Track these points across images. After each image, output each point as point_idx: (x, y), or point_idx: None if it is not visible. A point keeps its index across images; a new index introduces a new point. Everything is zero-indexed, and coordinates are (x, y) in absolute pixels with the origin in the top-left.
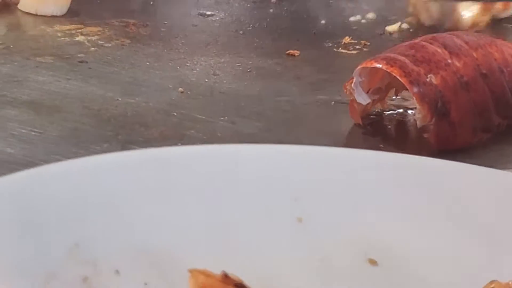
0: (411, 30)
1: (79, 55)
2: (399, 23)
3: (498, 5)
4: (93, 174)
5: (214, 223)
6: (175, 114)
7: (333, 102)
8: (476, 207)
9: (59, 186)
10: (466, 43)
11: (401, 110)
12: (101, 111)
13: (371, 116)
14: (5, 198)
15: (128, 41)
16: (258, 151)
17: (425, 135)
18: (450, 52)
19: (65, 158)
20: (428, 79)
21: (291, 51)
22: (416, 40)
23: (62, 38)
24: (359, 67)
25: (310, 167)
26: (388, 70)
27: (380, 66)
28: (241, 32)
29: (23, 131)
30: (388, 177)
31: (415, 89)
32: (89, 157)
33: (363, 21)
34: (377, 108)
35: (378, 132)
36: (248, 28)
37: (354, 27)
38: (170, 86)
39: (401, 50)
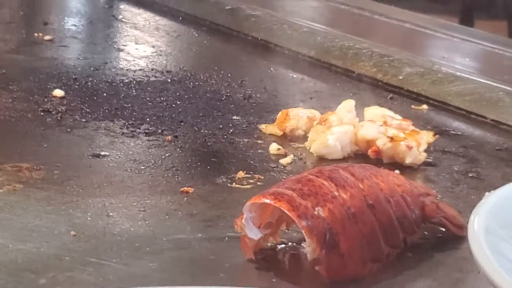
0: (304, 162)
1: None
2: (291, 155)
3: None
4: None
5: None
6: (67, 258)
7: (226, 238)
8: None
9: None
10: (352, 174)
11: (293, 243)
12: None
13: (265, 250)
14: None
15: (21, 186)
16: None
17: (316, 268)
18: (336, 185)
19: None
20: (316, 212)
21: (185, 188)
22: (304, 174)
23: None
24: (248, 202)
25: None
26: (276, 205)
27: (268, 201)
28: (136, 171)
29: None
30: None
31: (303, 223)
32: None
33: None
34: (271, 242)
35: (272, 266)
36: (142, 167)
37: (249, 161)
38: (62, 230)
39: (289, 184)
